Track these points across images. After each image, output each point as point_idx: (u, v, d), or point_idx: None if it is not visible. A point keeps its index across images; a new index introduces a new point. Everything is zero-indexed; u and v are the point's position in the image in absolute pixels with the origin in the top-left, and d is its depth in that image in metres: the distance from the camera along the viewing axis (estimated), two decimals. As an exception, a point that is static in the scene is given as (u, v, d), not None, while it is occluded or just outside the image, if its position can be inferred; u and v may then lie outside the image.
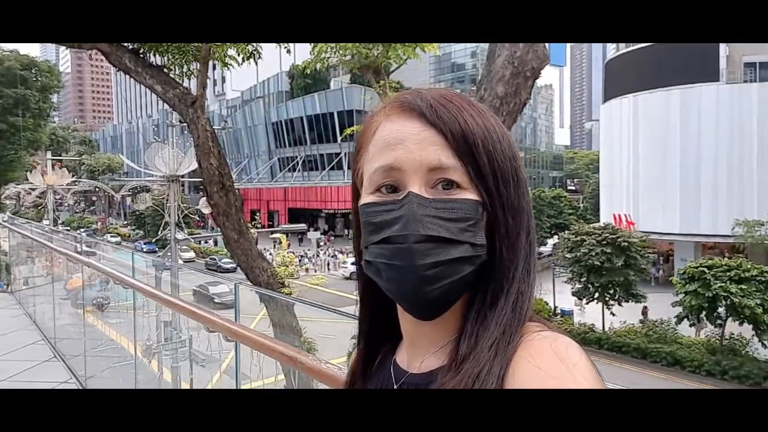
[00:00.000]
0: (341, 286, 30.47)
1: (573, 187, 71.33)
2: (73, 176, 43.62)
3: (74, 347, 5.35)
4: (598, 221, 34.28)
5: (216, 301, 17.90)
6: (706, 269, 18.96)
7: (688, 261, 23.19)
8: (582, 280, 23.29)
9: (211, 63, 6.92)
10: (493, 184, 0.63)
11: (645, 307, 23.93)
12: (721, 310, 18.82)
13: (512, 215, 0.65)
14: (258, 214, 57.32)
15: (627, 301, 22.67)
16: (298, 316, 7.66)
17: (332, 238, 51.53)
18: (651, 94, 34.56)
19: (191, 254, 42.07)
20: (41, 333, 6.09)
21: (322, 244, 44.19)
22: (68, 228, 46.69)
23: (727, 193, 31.23)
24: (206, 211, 19.09)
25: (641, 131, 35.13)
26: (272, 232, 41.07)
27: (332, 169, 49.31)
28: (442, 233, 0.61)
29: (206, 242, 45.22)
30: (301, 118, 51.49)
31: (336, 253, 41.20)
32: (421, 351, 0.69)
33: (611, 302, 22.82)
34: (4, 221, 12.51)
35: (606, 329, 22.60)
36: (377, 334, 0.79)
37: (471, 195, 0.63)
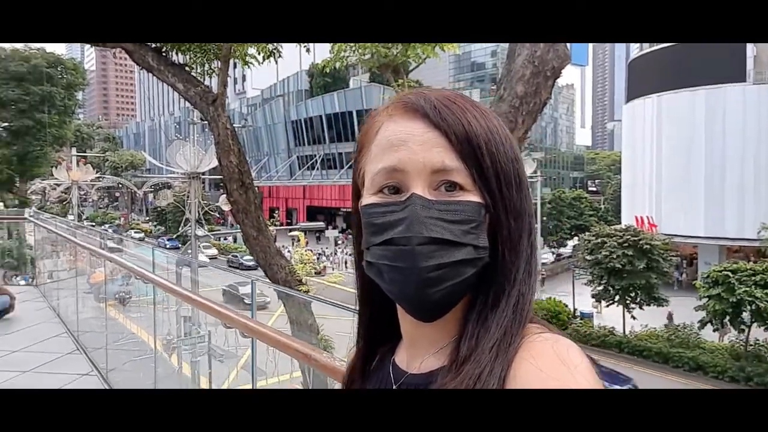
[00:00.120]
0: (359, 284, 30.42)
1: (594, 188, 70.41)
2: (97, 172, 44.37)
3: (96, 340, 5.45)
4: (620, 223, 33.82)
5: (246, 301, 17.65)
6: (730, 273, 18.54)
7: (712, 265, 22.70)
8: (602, 282, 22.96)
9: (231, 61, 6.99)
10: (496, 187, 0.63)
11: (670, 312, 23.50)
12: (745, 315, 18.38)
13: (514, 217, 0.64)
14: (277, 211, 57.79)
15: (648, 305, 22.30)
16: (316, 314, 7.70)
17: (350, 236, 51.62)
18: (675, 94, 33.92)
19: (214, 251, 42.08)
20: (64, 326, 6.22)
21: (339, 242, 44.35)
22: (93, 223, 47.54)
23: (754, 195, 30.48)
24: (226, 208, 19.31)
25: (665, 132, 34.51)
26: (291, 230, 41.40)
27: (351, 167, 49.13)
28: (445, 235, 0.61)
29: (225, 239, 45.71)
30: (321, 116, 51.69)
31: (354, 251, 41.19)
32: (420, 352, 0.69)
33: (632, 305, 22.49)
34: (30, 216, 12.80)
35: (626, 333, 22.29)
36: (376, 335, 0.79)
37: (474, 197, 0.62)
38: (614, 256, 22.12)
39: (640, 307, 22.35)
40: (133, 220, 64.42)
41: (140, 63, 6.35)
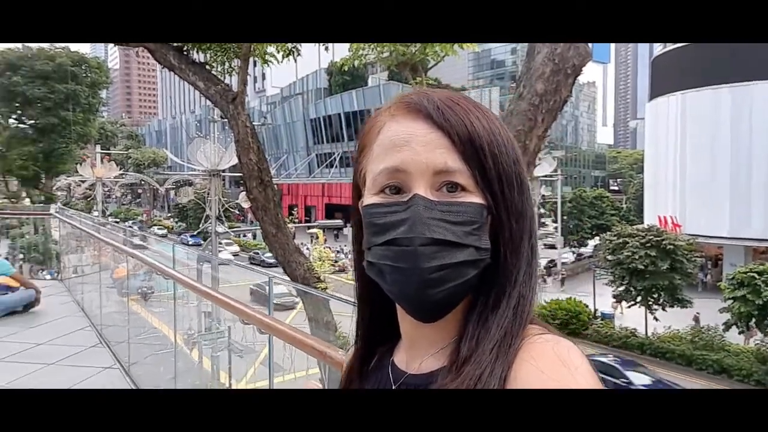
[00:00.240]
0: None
1: (616, 187, 69.49)
2: (120, 169, 45.21)
3: (119, 334, 5.54)
4: (642, 223, 33.27)
5: (276, 302, 17.44)
6: (756, 275, 18.15)
7: (738, 266, 22.23)
8: (624, 282, 22.65)
9: (251, 60, 7.04)
10: (498, 188, 0.63)
11: (696, 315, 23.06)
12: (771, 317, 18.00)
13: (516, 219, 0.64)
14: (295, 209, 58.12)
15: (672, 306, 21.93)
16: (334, 312, 7.73)
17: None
18: (700, 92, 33.25)
19: (236, 248, 42.16)
20: (88, 319, 6.34)
21: (358, 240, 44.29)
22: (117, 219, 48.37)
23: (781, 195, 29.79)
24: (246, 205, 19.49)
25: (689, 130, 33.86)
26: (309, 227, 41.63)
27: (369, 165, 49.37)
28: (447, 236, 0.61)
29: (245, 236, 46.14)
30: (339, 114, 51.86)
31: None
32: (420, 352, 0.69)
33: (654, 307, 22.13)
34: (56, 212, 13.10)
35: (649, 334, 21.94)
36: (375, 335, 0.78)
37: (476, 198, 0.62)
38: (636, 257, 21.78)
39: (663, 309, 22.00)
40: (155, 216, 65.46)
41: (162, 62, 6.43)
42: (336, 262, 32.14)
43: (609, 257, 23.52)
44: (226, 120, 6.86)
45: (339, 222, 37.81)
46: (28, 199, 46.11)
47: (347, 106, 51.00)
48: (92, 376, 4.50)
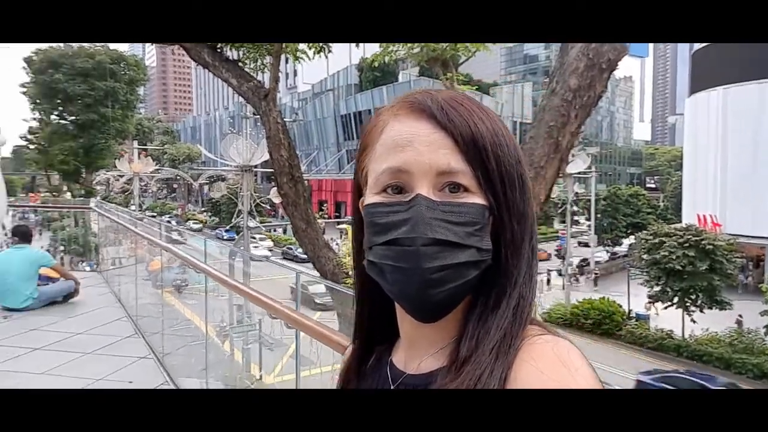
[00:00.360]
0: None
1: (653, 185, 67.65)
2: (156, 164, 46.31)
3: (154, 325, 5.68)
4: (680, 221, 32.32)
5: (317, 301, 16.33)
6: (801, 277, 17.45)
7: (781, 267, 21.41)
8: (660, 283, 22.05)
9: (283, 57, 7.10)
10: (501, 190, 0.63)
11: (739, 317, 22.31)
12: (817, 321, 17.29)
13: (517, 220, 0.64)
14: (325, 204, 58.57)
15: (710, 308, 21.26)
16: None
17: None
18: (742, 86, 32.02)
19: (270, 243, 42.16)
20: (125, 310, 6.52)
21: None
22: (153, 213, 49.57)
23: (829, 194, 28.49)
24: (277, 200, 19.71)
25: (730, 126, 32.66)
26: (339, 223, 41.86)
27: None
28: (449, 237, 0.60)
29: (275, 230, 46.72)
30: (370, 110, 51.93)
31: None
32: (419, 352, 0.69)
33: (692, 308, 21.49)
34: (95, 206, 13.52)
35: (686, 336, 21.34)
36: (374, 334, 0.78)
37: (478, 199, 0.63)
38: (674, 257, 21.19)
39: (701, 311, 21.35)
40: (190, 210, 66.88)
41: (197, 59, 6.56)
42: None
43: (644, 257, 22.94)
44: (258, 116, 6.95)
45: (369, 218, 37.75)
46: (69, 193, 47.76)
47: (378, 102, 51.03)
48: (127, 366, 4.63)
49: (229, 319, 10.79)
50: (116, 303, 6.93)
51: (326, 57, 7.25)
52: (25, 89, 42.68)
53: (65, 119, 43.54)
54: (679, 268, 20.98)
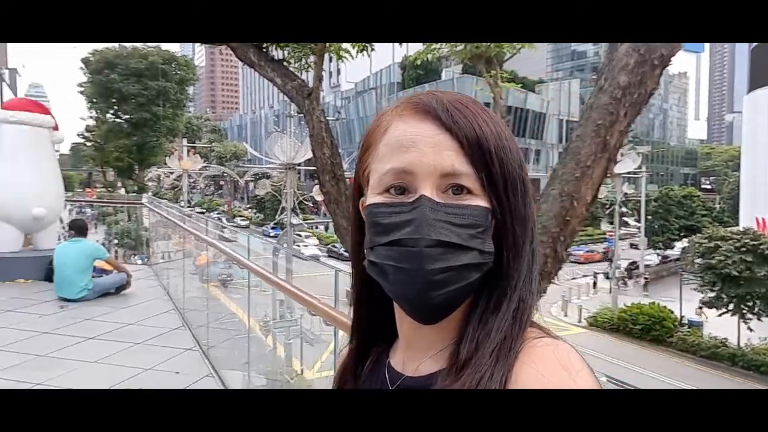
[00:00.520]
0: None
1: (708, 186, 64.81)
2: (204, 162, 47.67)
3: (199, 318, 5.85)
4: (737, 225, 30.82)
5: None
6: None
7: None
8: (714, 289, 21.09)
9: (326, 56, 7.16)
10: (504, 193, 0.63)
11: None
12: None
13: (519, 224, 0.65)
14: (368, 202, 58.75)
15: (768, 316, 20.22)
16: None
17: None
18: (810, 81, 30.23)
19: (315, 241, 42.27)
20: (173, 303, 6.74)
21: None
22: (202, 209, 51.08)
23: None
24: (319, 198, 19.95)
25: (795, 124, 30.91)
26: (380, 221, 41.84)
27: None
28: (452, 239, 0.60)
29: (317, 227, 47.32)
30: (413, 108, 51.80)
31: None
32: (418, 354, 0.69)
33: (749, 316, 20.45)
34: (147, 201, 14.05)
35: (741, 345, 20.34)
36: (371, 335, 0.78)
37: (482, 202, 0.63)
38: (730, 262, 20.23)
39: (759, 318, 20.30)
40: (235, 207, 68.61)
41: (243, 59, 6.69)
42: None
43: (698, 261, 22.00)
44: (301, 115, 7.03)
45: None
46: (123, 189, 49.82)
47: (421, 100, 50.77)
48: (174, 356, 4.78)
49: (272, 314, 10.99)
50: (165, 296, 7.18)
51: (369, 55, 7.27)
52: (82, 89, 44.77)
53: (120, 118, 45.41)
54: (736, 273, 20.01)
